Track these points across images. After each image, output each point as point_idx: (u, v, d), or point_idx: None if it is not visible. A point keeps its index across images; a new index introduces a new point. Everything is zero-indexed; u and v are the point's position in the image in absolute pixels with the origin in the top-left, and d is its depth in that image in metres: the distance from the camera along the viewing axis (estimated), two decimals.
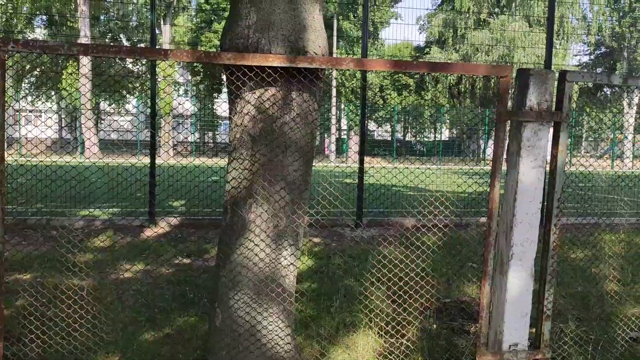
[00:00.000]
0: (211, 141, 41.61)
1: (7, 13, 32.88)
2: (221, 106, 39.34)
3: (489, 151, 31.94)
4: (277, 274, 2.80)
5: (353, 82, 36.65)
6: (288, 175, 2.78)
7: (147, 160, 7.71)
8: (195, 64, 36.23)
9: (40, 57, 31.51)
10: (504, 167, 2.88)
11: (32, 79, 36.20)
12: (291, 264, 2.85)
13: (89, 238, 6.33)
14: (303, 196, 2.86)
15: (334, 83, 34.92)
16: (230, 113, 2.87)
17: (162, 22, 34.53)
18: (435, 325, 3.85)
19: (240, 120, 2.77)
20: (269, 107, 2.72)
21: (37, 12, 35.42)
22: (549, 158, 2.90)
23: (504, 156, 2.86)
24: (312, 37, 2.75)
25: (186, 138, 36.27)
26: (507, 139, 2.87)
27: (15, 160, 6.25)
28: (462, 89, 38.74)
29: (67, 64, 34.07)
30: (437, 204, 3.38)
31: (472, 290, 4.68)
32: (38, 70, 35.45)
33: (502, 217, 2.89)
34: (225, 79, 2.95)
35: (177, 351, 3.38)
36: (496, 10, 37.54)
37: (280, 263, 2.80)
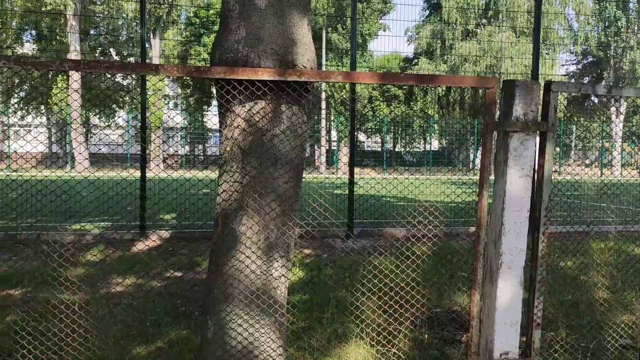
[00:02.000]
0: (201, 154, 41.57)
1: None
2: (211, 119, 39.42)
3: (478, 161, 32.14)
4: (268, 285, 2.81)
5: (342, 93, 36.84)
6: (278, 188, 2.80)
7: (137, 173, 7.71)
8: (184, 77, 36.14)
9: (31, 72, 31.56)
10: (492, 177, 2.92)
11: (22, 94, 36.06)
12: (282, 275, 2.87)
13: (80, 252, 6.30)
14: (294, 208, 2.89)
15: (323, 95, 35.07)
16: (220, 126, 2.90)
17: (151, 36, 34.59)
18: (426, 335, 3.87)
19: (230, 134, 2.80)
20: (259, 120, 2.75)
21: (26, 27, 35.40)
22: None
23: (492, 166, 2.90)
24: (301, 51, 2.79)
25: (176, 151, 36.24)
26: (495, 148, 2.91)
27: (7, 175, 6.23)
28: (451, 100, 39.06)
29: (57, 78, 34.00)
30: (426, 214, 3.41)
31: (463, 299, 4.71)
32: (27, 84, 35.33)
33: (490, 226, 2.92)
34: (215, 93, 2.98)
35: None
36: (483, 21, 37.97)
37: (271, 275, 2.82)
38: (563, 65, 42.26)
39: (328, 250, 6.90)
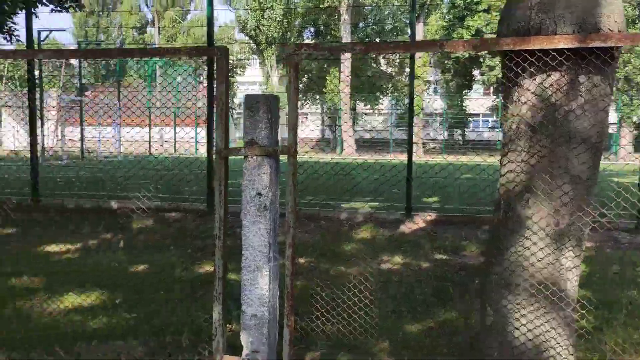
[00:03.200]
0: (460, 139, 41.21)
1: (282, 27, 38.03)
2: (470, 103, 38.73)
3: None
4: (558, 276, 2.55)
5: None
6: (572, 169, 2.50)
7: (401, 157, 7.92)
8: (445, 62, 36.44)
9: (310, 64, 35.80)
10: None
11: (301, 86, 40.61)
12: (575, 266, 2.57)
13: (352, 229, 6.72)
14: (589, 192, 2.56)
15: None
16: (505, 102, 2.72)
17: (415, 22, 35.43)
18: None
19: (517, 110, 2.60)
20: (552, 95, 2.49)
21: (306, 25, 40.16)
22: None
23: None
24: (606, 12, 2.42)
25: (436, 136, 36.62)
26: None
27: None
28: None
29: (330, 70, 37.36)
30: None
31: None
32: (306, 76, 39.62)
33: None
34: (500, 68, 2.81)
35: (440, 344, 3.35)
36: None
37: (562, 265, 2.55)
38: None
39: (612, 245, 6.13)
